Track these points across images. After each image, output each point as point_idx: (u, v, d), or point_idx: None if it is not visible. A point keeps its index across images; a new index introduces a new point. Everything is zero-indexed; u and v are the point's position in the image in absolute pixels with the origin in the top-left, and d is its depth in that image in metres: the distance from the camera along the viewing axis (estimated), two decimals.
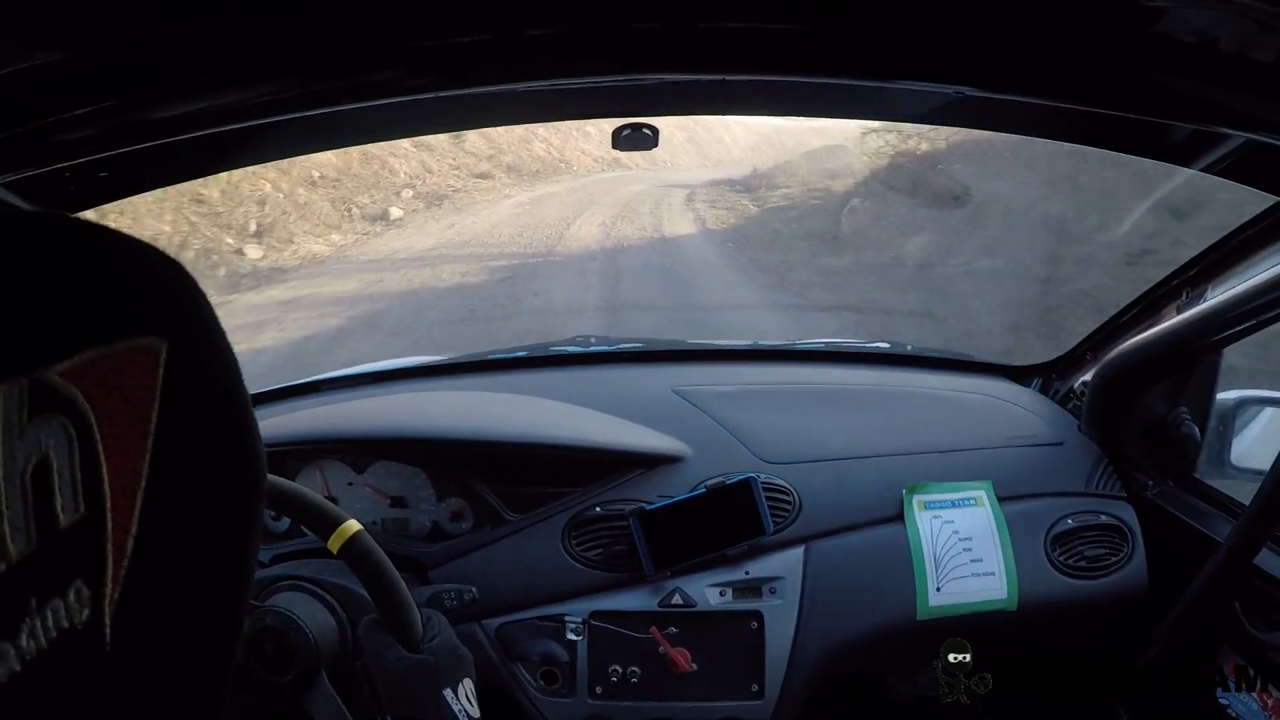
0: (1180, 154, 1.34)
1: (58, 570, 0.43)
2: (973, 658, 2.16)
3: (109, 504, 0.45)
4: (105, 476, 0.45)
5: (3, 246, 0.45)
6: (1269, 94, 0.86)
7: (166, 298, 0.51)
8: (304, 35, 0.82)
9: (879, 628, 2.04)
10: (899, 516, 2.09)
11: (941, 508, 2.09)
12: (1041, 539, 2.10)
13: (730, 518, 2.02)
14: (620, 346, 2.81)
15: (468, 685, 1.38)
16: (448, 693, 1.34)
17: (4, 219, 0.49)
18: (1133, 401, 2.18)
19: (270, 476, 1.39)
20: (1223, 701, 1.93)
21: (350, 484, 2.13)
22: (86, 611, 0.44)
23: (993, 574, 2.04)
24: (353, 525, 1.39)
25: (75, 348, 0.44)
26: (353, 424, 2.20)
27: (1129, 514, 2.15)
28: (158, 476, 0.48)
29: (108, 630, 0.45)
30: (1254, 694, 1.88)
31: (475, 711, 1.37)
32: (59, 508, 0.42)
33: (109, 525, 0.45)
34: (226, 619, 0.56)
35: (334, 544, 1.39)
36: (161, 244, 0.54)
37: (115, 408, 0.46)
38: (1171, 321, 1.97)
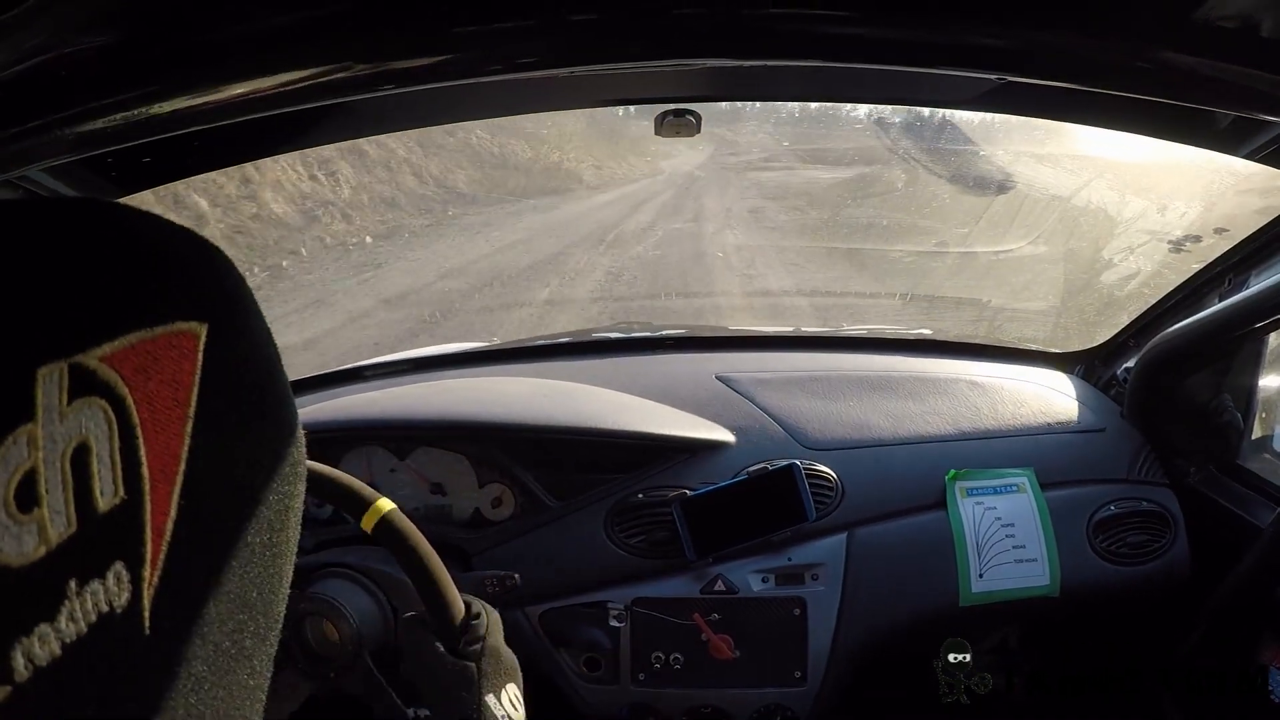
0: (1221, 141, 1.33)
1: (97, 553, 0.43)
2: (1017, 642, 2.16)
3: (148, 487, 0.46)
4: (144, 460, 0.45)
5: (44, 232, 0.46)
6: None
7: (206, 283, 0.52)
8: (344, 21, 0.83)
9: (922, 614, 2.04)
10: (941, 503, 2.09)
11: (984, 494, 2.08)
12: (1084, 525, 2.09)
13: (773, 504, 2.02)
14: (663, 333, 2.81)
15: (512, 691, 1.34)
16: (490, 698, 1.29)
17: (46, 205, 0.50)
18: (1175, 388, 2.16)
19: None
20: (1269, 686, 1.92)
21: (392, 470, 2.14)
22: (126, 595, 0.44)
23: (1035, 560, 2.04)
24: (385, 504, 1.36)
25: (115, 332, 0.44)
26: (395, 410, 2.21)
27: (1171, 500, 2.14)
28: (197, 461, 0.48)
29: (146, 614, 0.46)
30: None
31: (519, 716, 1.33)
32: (98, 491, 0.43)
33: (148, 509, 0.46)
34: (267, 604, 0.56)
35: (367, 523, 1.36)
36: None
37: (154, 392, 0.46)
38: (1215, 308, 1.96)
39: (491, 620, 1.38)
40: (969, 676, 2.09)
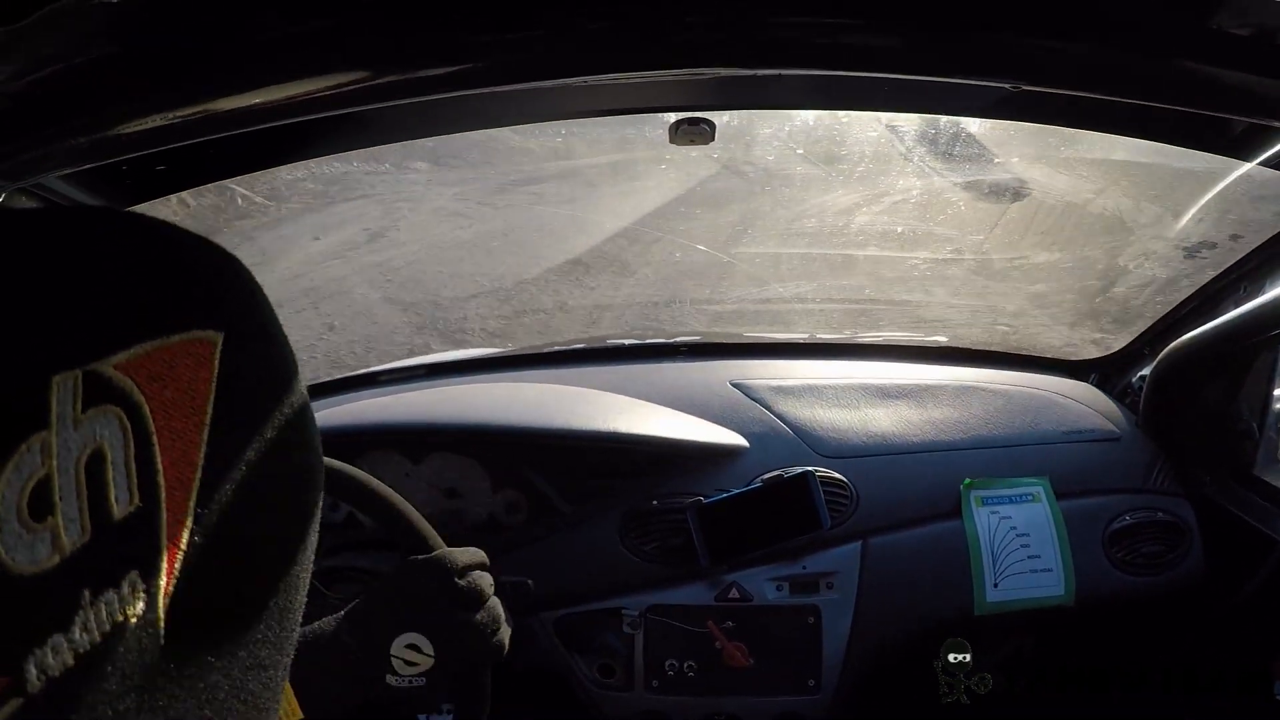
0: (1236, 148, 1.33)
1: (111, 562, 0.43)
2: (1031, 652, 2.15)
3: (163, 495, 0.45)
4: (160, 468, 0.45)
5: (60, 240, 0.46)
6: None
7: (222, 291, 0.52)
8: (358, 30, 0.83)
9: (936, 623, 2.03)
10: (956, 512, 2.08)
11: (999, 503, 2.08)
12: (1099, 535, 2.08)
13: (787, 512, 2.01)
14: (678, 339, 2.81)
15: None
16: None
17: (62, 213, 0.50)
18: (1190, 397, 2.16)
19: (370, 480, 1.46)
20: None
21: (406, 475, 2.14)
22: (140, 604, 0.44)
23: (1050, 570, 2.03)
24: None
25: (130, 340, 0.44)
26: (409, 415, 2.21)
27: (1187, 511, 2.13)
28: (213, 468, 0.48)
29: (162, 623, 0.45)
30: None
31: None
32: (113, 499, 0.43)
33: (163, 517, 0.45)
34: (283, 614, 0.56)
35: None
36: None
37: (170, 400, 0.46)
38: (1229, 316, 1.95)
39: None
40: (969, 676, 2.09)
